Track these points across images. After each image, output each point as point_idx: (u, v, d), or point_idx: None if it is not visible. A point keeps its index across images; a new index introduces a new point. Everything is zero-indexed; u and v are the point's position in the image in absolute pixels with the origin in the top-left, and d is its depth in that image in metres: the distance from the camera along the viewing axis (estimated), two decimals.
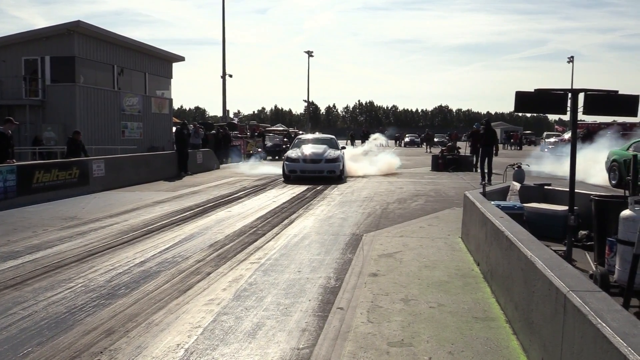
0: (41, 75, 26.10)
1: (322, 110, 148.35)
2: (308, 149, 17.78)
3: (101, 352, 4.05)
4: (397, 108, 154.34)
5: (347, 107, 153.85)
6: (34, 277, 6.10)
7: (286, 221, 9.76)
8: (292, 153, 17.78)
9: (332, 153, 17.38)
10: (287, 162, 17.37)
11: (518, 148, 51.12)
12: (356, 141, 44.84)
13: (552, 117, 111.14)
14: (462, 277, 6.05)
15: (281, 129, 50.70)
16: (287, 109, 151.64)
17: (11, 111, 23.88)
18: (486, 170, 16.61)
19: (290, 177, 17.11)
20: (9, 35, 26.90)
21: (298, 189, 14.83)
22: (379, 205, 11.76)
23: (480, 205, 6.69)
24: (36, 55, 26.10)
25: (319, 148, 17.77)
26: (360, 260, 6.86)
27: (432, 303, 5.12)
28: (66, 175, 13.69)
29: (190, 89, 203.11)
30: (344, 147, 19.28)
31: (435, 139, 51.01)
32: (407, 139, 60.62)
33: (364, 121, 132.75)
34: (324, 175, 16.84)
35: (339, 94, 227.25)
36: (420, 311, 4.89)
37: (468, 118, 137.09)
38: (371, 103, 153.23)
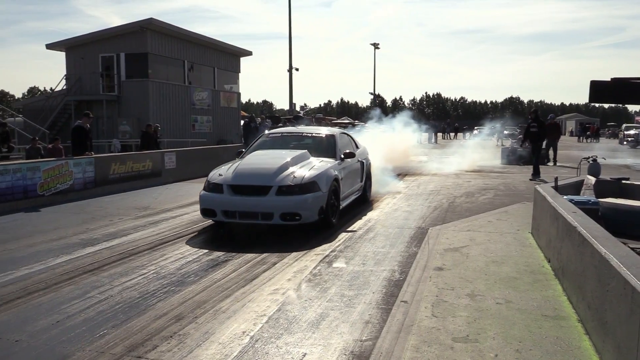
0: (116, 72, 27.29)
1: (389, 102, 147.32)
2: (251, 163, 8.61)
3: (171, 337, 4.21)
4: (466, 100, 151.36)
5: (413, 99, 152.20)
6: (110, 263, 6.42)
7: (351, 214, 9.76)
8: (218, 172, 8.47)
9: (302, 171, 8.16)
10: (202, 192, 8.28)
11: (595, 141, 48.82)
12: (445, 134, 43.72)
13: (632, 108, 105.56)
14: (532, 273, 5.86)
15: (347, 121, 50.72)
16: (353, 102, 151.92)
17: (89, 106, 25.16)
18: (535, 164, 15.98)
19: (221, 222, 8.34)
20: (87, 34, 28.35)
21: None
22: (446, 199, 11.56)
23: (551, 200, 6.45)
24: (112, 52, 27.33)
25: (276, 159, 8.53)
26: (426, 254, 6.77)
27: (499, 299, 4.99)
28: (140, 167, 14.28)
29: (258, 83, 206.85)
30: (351, 154, 9.47)
31: (506, 132, 49.49)
32: (475, 132, 59.18)
33: (431, 113, 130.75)
34: (272, 223, 7.76)
35: (405, 86, 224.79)
36: (486, 307, 4.78)
37: (541, 110, 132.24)
38: (438, 95, 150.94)
